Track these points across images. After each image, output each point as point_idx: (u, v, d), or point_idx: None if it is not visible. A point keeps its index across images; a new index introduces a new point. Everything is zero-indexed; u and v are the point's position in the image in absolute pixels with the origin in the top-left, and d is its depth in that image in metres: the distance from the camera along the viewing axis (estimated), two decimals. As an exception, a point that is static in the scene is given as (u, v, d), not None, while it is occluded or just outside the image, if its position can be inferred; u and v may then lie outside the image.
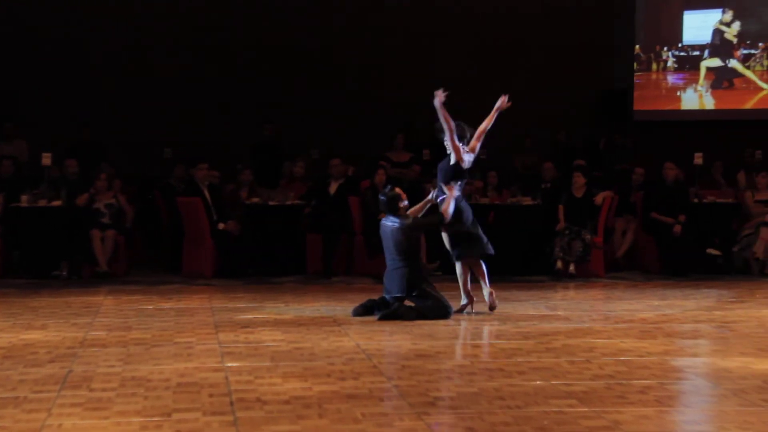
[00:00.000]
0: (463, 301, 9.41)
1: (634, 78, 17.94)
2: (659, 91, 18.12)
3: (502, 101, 9.56)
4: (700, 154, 13.60)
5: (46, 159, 12.61)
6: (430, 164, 15.32)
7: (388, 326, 8.61)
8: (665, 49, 17.89)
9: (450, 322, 8.98)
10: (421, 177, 13.89)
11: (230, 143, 15.76)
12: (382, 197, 9.30)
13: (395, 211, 9.18)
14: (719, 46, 17.95)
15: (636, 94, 17.93)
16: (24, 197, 12.31)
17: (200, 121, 16.28)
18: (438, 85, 17.89)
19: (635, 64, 17.92)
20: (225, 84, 16.73)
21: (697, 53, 17.96)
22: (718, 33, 17.94)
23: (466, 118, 16.80)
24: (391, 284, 9.07)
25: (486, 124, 9.57)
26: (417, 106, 16.63)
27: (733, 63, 17.94)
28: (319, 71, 16.97)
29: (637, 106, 17.96)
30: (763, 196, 13.35)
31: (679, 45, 17.92)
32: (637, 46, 17.89)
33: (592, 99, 17.59)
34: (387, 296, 9.10)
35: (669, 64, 18.01)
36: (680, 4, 17.98)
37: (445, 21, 17.51)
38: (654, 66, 17.98)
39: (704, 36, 18.03)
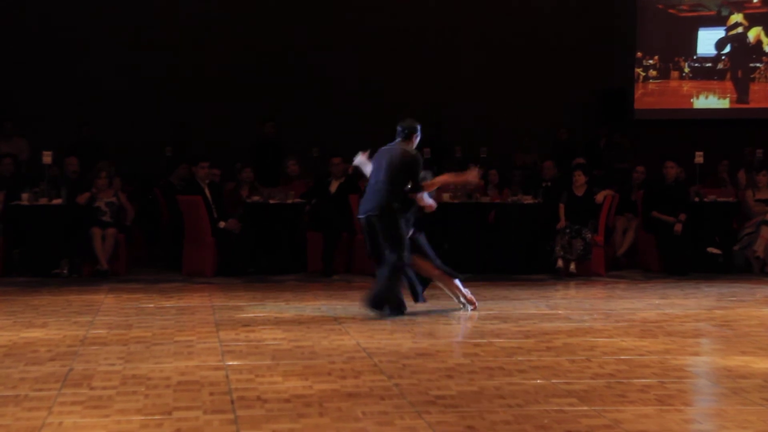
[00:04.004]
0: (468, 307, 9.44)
1: (649, 83, 17.95)
2: (675, 98, 18.13)
3: (473, 176, 9.45)
4: (700, 153, 13.60)
5: (47, 157, 12.61)
6: (430, 163, 15.35)
7: (389, 325, 8.61)
8: (683, 58, 17.92)
9: (451, 321, 8.99)
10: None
11: (231, 142, 15.77)
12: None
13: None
14: (732, 55, 17.98)
15: (651, 99, 17.94)
16: (24, 195, 12.31)
17: (201, 119, 16.29)
18: (438, 85, 17.95)
19: (653, 72, 17.92)
20: (225, 83, 16.74)
21: (709, 65, 17.99)
22: (731, 42, 17.96)
23: (465, 119, 16.99)
24: (367, 203, 9.02)
25: (449, 179, 9.45)
26: (417, 106, 16.73)
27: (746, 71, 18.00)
28: (319, 70, 16.98)
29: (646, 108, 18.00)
30: (764, 195, 13.35)
31: (694, 57, 17.94)
32: (656, 57, 17.90)
33: (593, 98, 17.61)
34: (360, 216, 9.11)
35: (684, 73, 18.02)
36: (694, 22, 18.00)
37: (445, 21, 17.52)
38: (672, 74, 18.01)
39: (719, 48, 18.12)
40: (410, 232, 9.17)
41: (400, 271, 9.04)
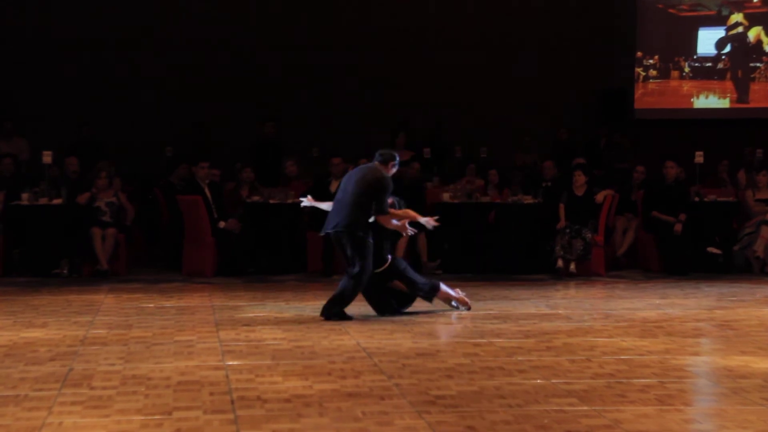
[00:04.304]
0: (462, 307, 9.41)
1: (649, 83, 17.95)
2: (675, 98, 18.14)
3: (428, 222, 9.40)
4: (701, 153, 13.59)
5: (47, 157, 12.61)
6: (430, 162, 15.37)
7: (389, 325, 8.61)
8: (683, 58, 17.92)
9: (451, 320, 8.99)
10: (420, 175, 13.90)
11: (231, 142, 15.77)
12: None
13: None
14: (732, 55, 17.99)
15: (651, 99, 17.94)
16: (25, 195, 12.32)
17: (201, 119, 16.28)
18: (438, 85, 17.95)
19: (653, 72, 17.92)
20: (225, 83, 16.74)
21: (709, 65, 18.00)
22: (731, 42, 17.96)
23: (465, 119, 16.97)
24: (334, 217, 8.98)
25: (413, 216, 9.37)
26: (417, 106, 16.74)
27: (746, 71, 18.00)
28: (319, 70, 16.98)
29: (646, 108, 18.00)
30: (764, 195, 13.35)
31: (695, 56, 17.95)
32: (657, 56, 17.90)
33: (593, 98, 17.61)
34: (328, 231, 9.05)
35: (685, 73, 18.02)
36: (694, 22, 18.01)
37: (445, 21, 17.52)
38: (672, 74, 18.03)
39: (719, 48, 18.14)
40: (389, 259, 9.17)
41: (360, 283, 8.97)
